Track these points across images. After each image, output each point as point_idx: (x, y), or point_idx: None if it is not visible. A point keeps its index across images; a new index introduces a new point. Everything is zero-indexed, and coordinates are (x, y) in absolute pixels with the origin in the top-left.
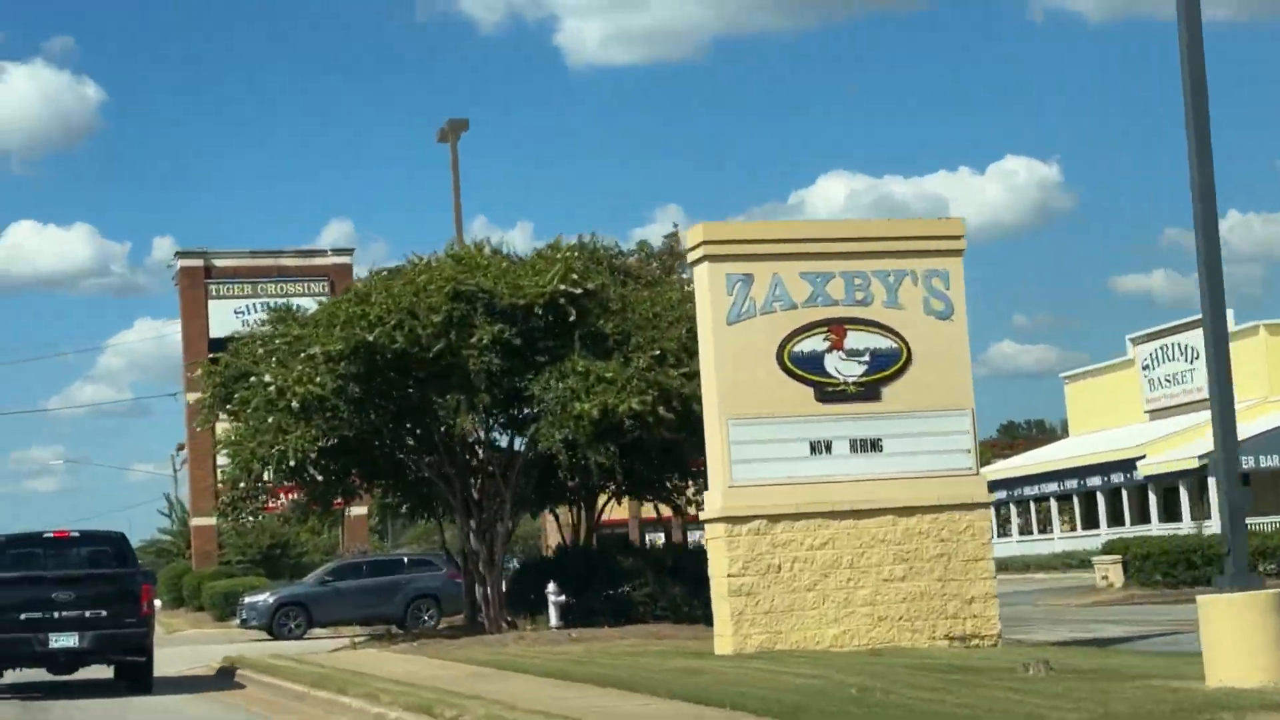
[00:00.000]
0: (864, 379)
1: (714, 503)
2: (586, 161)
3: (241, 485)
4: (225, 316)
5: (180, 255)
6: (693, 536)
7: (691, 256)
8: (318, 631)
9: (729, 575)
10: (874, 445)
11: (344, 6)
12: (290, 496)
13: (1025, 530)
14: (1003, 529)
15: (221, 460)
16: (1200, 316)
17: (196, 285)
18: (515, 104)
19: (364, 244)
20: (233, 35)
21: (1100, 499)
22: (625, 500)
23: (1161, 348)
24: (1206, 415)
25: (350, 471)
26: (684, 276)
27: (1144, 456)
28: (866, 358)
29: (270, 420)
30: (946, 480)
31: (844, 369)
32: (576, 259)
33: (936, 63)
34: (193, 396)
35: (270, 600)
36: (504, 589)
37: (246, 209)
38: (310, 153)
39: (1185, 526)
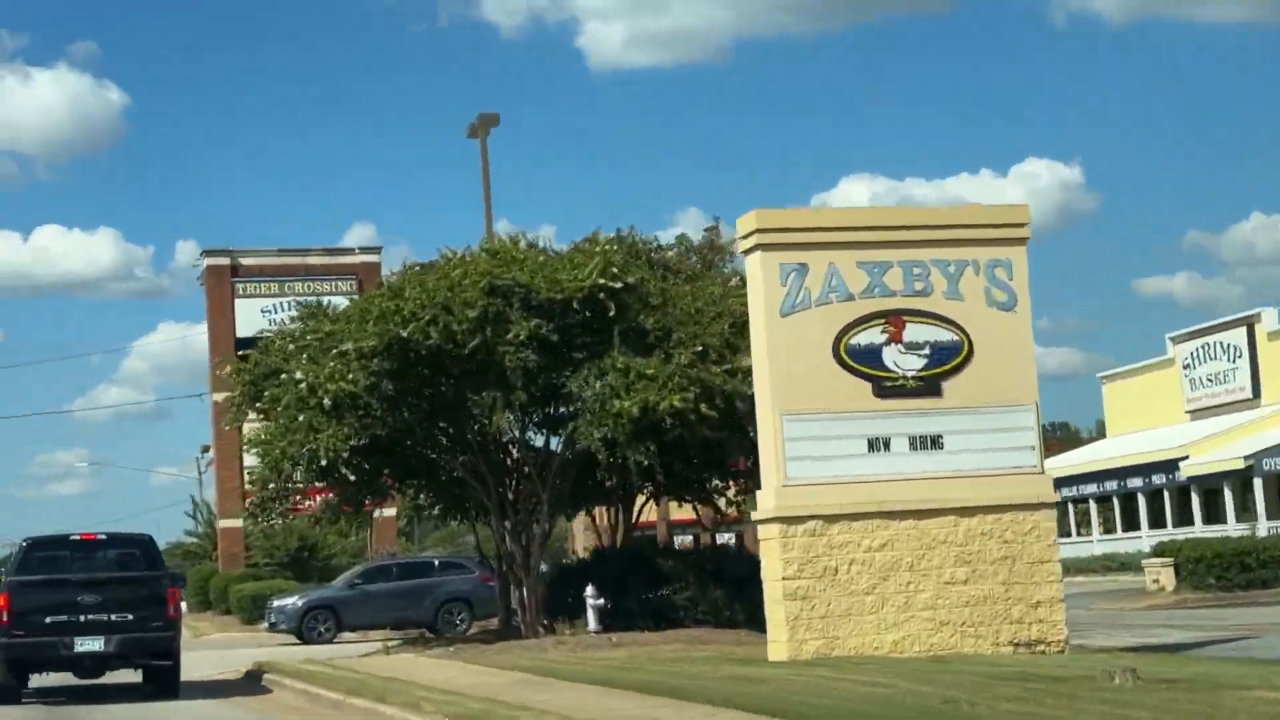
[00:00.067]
0: (924, 373)
1: (767, 502)
2: (608, 164)
3: (271, 486)
4: (252, 315)
5: (206, 254)
6: (720, 539)
7: (743, 246)
8: (347, 635)
9: (783, 578)
10: (934, 442)
11: (366, 11)
12: (320, 498)
13: (1063, 533)
14: None
15: (250, 460)
16: (1242, 315)
17: (223, 284)
18: (537, 107)
19: (387, 247)
20: (254, 40)
21: (1141, 500)
22: (654, 502)
23: (1203, 347)
24: (1249, 415)
25: (382, 472)
26: (725, 271)
27: (1187, 457)
28: (926, 351)
29: (301, 419)
30: (1010, 479)
31: (903, 363)
32: (615, 252)
33: (958, 65)
34: (219, 396)
35: (299, 603)
36: (540, 592)
37: (268, 213)
38: (332, 157)
39: (1230, 528)
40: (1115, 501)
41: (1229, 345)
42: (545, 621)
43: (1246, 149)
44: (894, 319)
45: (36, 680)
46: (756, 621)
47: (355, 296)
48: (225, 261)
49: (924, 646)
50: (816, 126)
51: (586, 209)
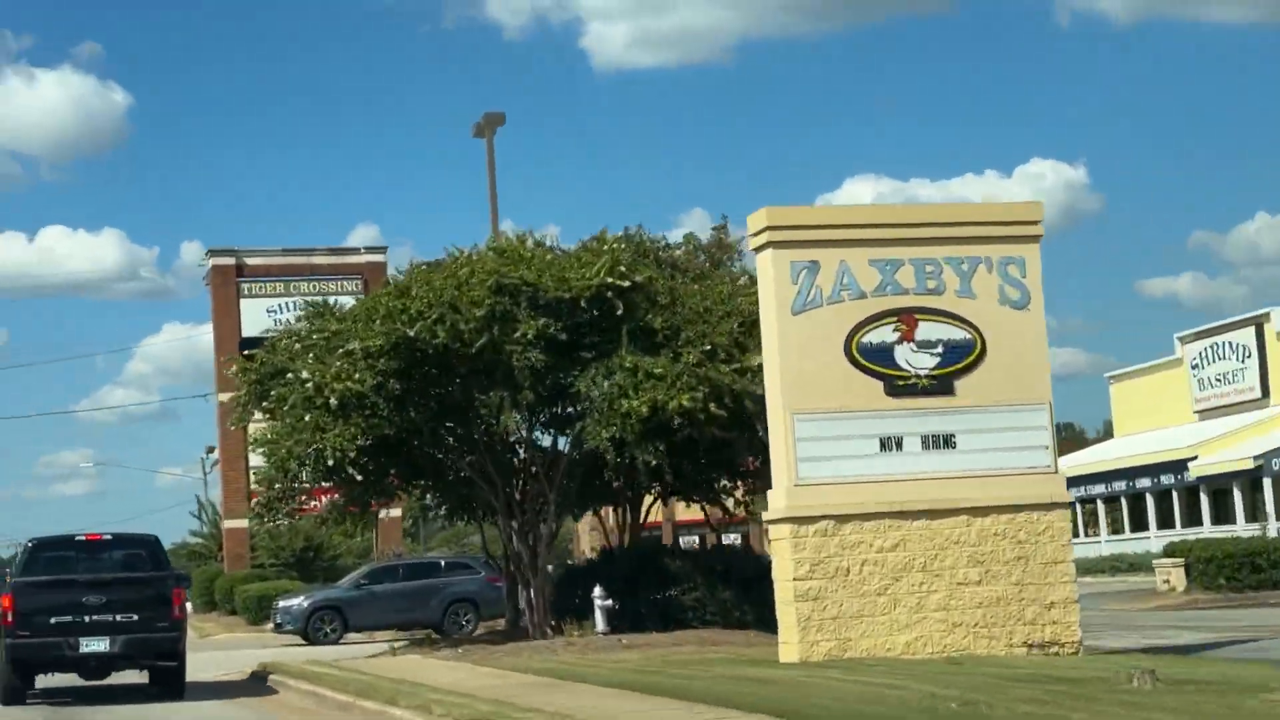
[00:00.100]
0: (936, 372)
1: (778, 502)
2: (611, 165)
3: (277, 486)
4: (257, 315)
5: (212, 253)
6: (726, 539)
7: (754, 243)
8: (352, 636)
9: (794, 579)
10: (947, 442)
11: (369, 12)
12: (326, 498)
13: (1071, 533)
14: None
15: (256, 460)
16: (1251, 314)
17: (228, 284)
18: (540, 107)
19: (391, 247)
20: (257, 42)
21: (1149, 501)
22: (661, 503)
23: (1211, 346)
24: (1259, 415)
25: (389, 472)
26: (733, 269)
27: (1195, 457)
28: (939, 349)
29: (307, 418)
30: (1023, 479)
31: (915, 361)
32: (623, 251)
33: (962, 65)
34: (225, 396)
35: (305, 604)
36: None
37: (272, 214)
38: (336, 158)
39: (1239, 528)
40: (1123, 502)
41: (1238, 345)
42: (553, 622)
43: (1251, 149)
44: (906, 317)
45: (42, 681)
46: (766, 622)
47: (360, 296)
48: (230, 261)
49: (937, 648)
50: (820, 127)
51: (590, 210)
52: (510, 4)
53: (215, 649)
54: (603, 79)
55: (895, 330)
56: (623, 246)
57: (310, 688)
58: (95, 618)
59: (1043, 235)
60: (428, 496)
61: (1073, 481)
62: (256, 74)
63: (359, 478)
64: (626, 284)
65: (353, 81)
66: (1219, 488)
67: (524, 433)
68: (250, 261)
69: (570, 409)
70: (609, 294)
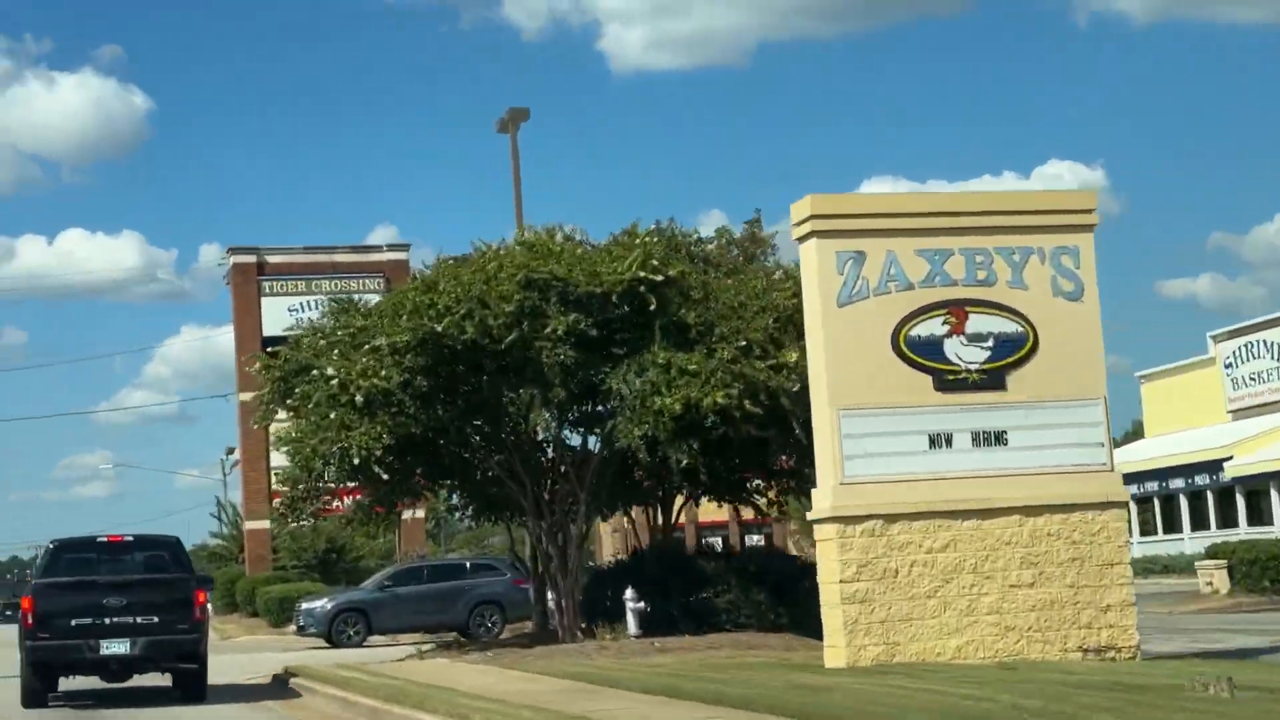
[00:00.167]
0: (987, 366)
1: (823, 501)
2: (629, 167)
3: (301, 485)
4: (279, 314)
5: (232, 251)
6: (749, 540)
7: (796, 233)
8: (376, 639)
9: (841, 580)
10: (998, 438)
11: (388, 16)
12: (350, 498)
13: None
14: None
15: (279, 460)
16: None
17: (249, 282)
18: (558, 109)
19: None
20: (275, 45)
21: (1183, 502)
22: (692, 503)
23: (1245, 345)
24: None
25: (415, 471)
26: (767, 264)
27: (1231, 457)
28: (990, 343)
29: (332, 416)
30: (1078, 476)
31: (965, 355)
32: (655, 245)
33: (979, 67)
34: (246, 396)
35: (328, 606)
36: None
37: (290, 216)
38: (354, 161)
39: (1277, 529)
40: (1155, 503)
41: (1272, 344)
42: (583, 625)
43: (1269, 150)
44: (956, 309)
45: (64, 684)
46: (801, 625)
47: (383, 295)
48: (252, 259)
49: (989, 652)
50: (838, 129)
51: (607, 212)
52: (528, 6)
53: (237, 651)
54: (620, 81)
55: (944, 323)
56: (655, 240)
57: (337, 692)
58: (116, 619)
59: (1097, 224)
60: (454, 496)
61: None
62: (273, 76)
63: (385, 477)
64: (659, 278)
65: (370, 84)
66: (1255, 488)
67: (553, 431)
68: (272, 260)
69: (601, 407)
70: (641, 288)
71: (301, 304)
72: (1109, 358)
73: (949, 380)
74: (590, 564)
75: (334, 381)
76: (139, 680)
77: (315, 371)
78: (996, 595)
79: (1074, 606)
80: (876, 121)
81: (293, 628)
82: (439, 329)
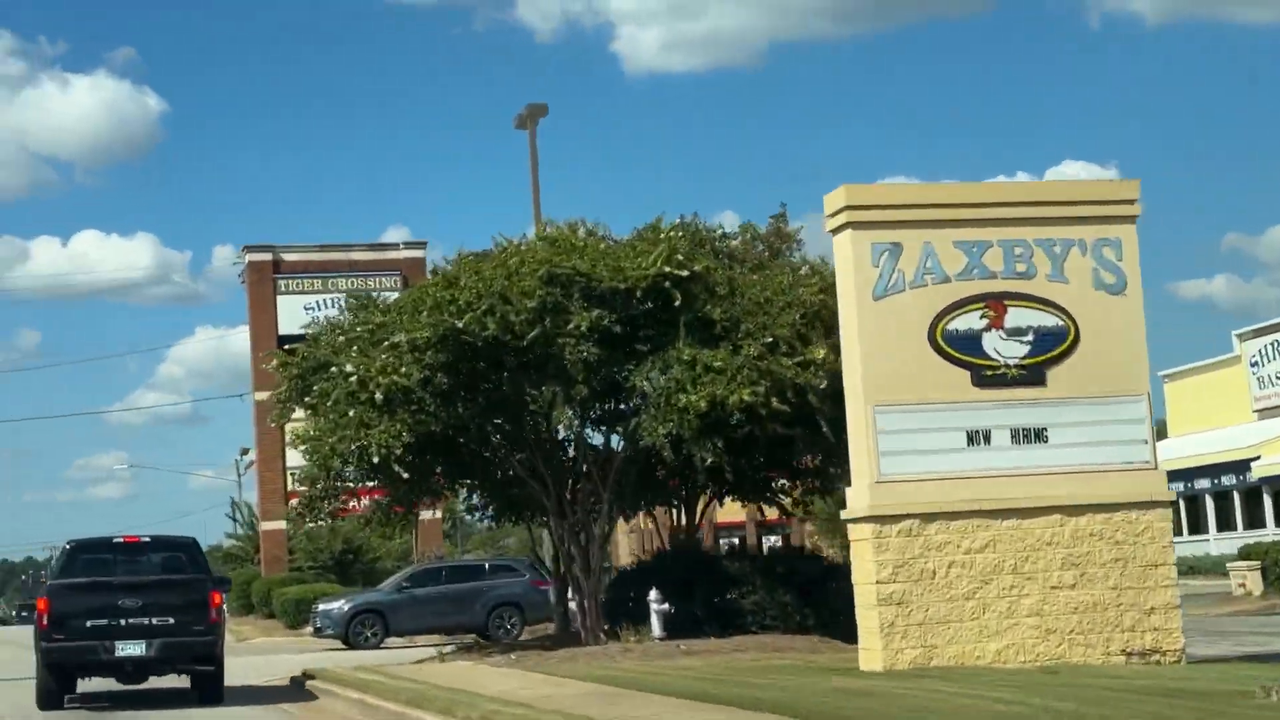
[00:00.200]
0: (1027, 361)
1: (859, 500)
2: (643, 169)
3: (319, 485)
4: (295, 312)
5: (248, 250)
6: (765, 541)
7: (831, 224)
8: (393, 641)
9: (877, 581)
10: (1038, 435)
11: (400, 18)
12: (368, 498)
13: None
14: None
15: (295, 459)
16: None
17: (265, 280)
18: (572, 110)
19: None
20: (288, 48)
21: (1209, 502)
22: (716, 502)
23: (1273, 343)
24: None
25: (435, 470)
26: (793, 260)
27: (1259, 457)
28: (1029, 337)
29: (351, 414)
30: (1120, 475)
31: (1004, 350)
32: (680, 240)
33: (991, 68)
34: (262, 395)
35: (345, 608)
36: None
37: (304, 217)
38: (368, 162)
39: None
40: (1180, 503)
41: None
42: (606, 627)
43: None
44: (994, 303)
45: (81, 686)
46: (828, 627)
47: (399, 293)
48: (267, 257)
49: (1029, 656)
50: (849, 130)
51: (621, 212)
52: (541, 8)
53: (254, 653)
54: (634, 82)
55: (983, 317)
56: (679, 235)
57: (356, 695)
58: (131, 621)
59: (1140, 214)
60: (475, 496)
61: None
62: (286, 78)
63: (405, 476)
64: (684, 273)
65: (384, 85)
66: None
67: (576, 429)
68: (287, 258)
69: (624, 405)
70: (666, 284)
71: (318, 302)
72: None
73: (987, 376)
74: (607, 565)
75: (353, 379)
76: (156, 682)
77: (334, 368)
78: (1037, 597)
79: (1117, 609)
80: (888, 123)
81: (309, 629)
82: (460, 325)
